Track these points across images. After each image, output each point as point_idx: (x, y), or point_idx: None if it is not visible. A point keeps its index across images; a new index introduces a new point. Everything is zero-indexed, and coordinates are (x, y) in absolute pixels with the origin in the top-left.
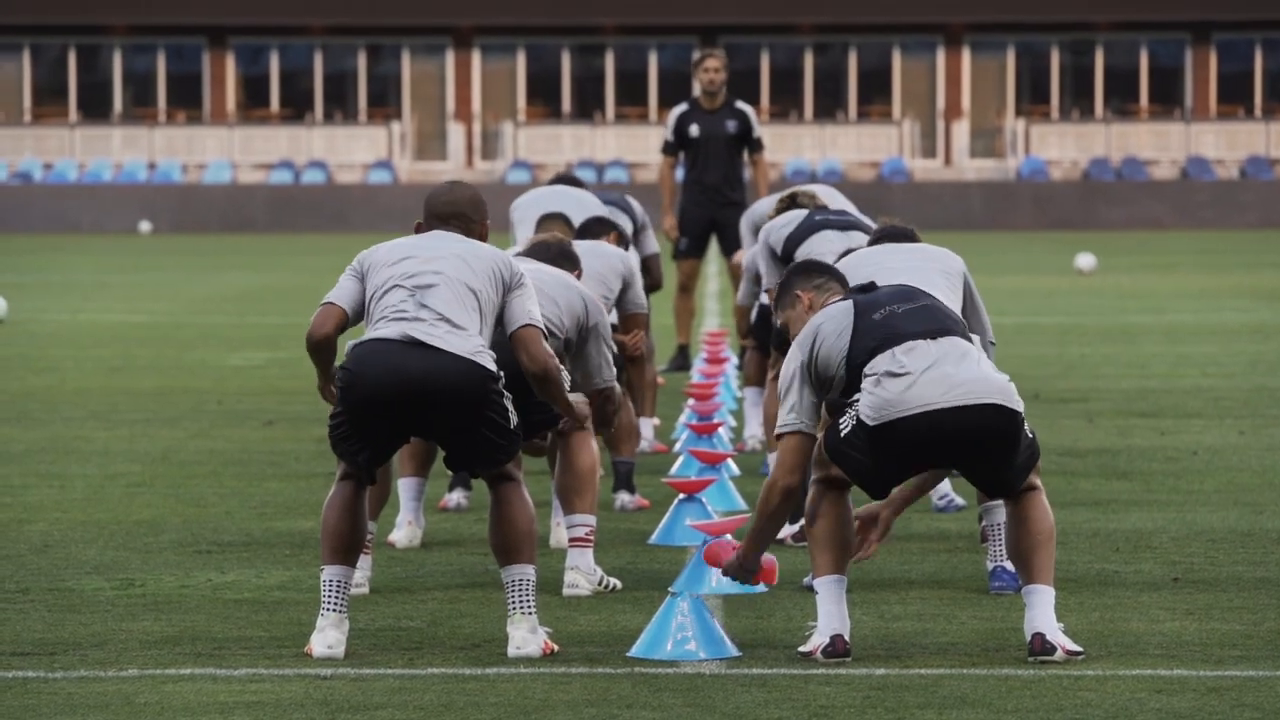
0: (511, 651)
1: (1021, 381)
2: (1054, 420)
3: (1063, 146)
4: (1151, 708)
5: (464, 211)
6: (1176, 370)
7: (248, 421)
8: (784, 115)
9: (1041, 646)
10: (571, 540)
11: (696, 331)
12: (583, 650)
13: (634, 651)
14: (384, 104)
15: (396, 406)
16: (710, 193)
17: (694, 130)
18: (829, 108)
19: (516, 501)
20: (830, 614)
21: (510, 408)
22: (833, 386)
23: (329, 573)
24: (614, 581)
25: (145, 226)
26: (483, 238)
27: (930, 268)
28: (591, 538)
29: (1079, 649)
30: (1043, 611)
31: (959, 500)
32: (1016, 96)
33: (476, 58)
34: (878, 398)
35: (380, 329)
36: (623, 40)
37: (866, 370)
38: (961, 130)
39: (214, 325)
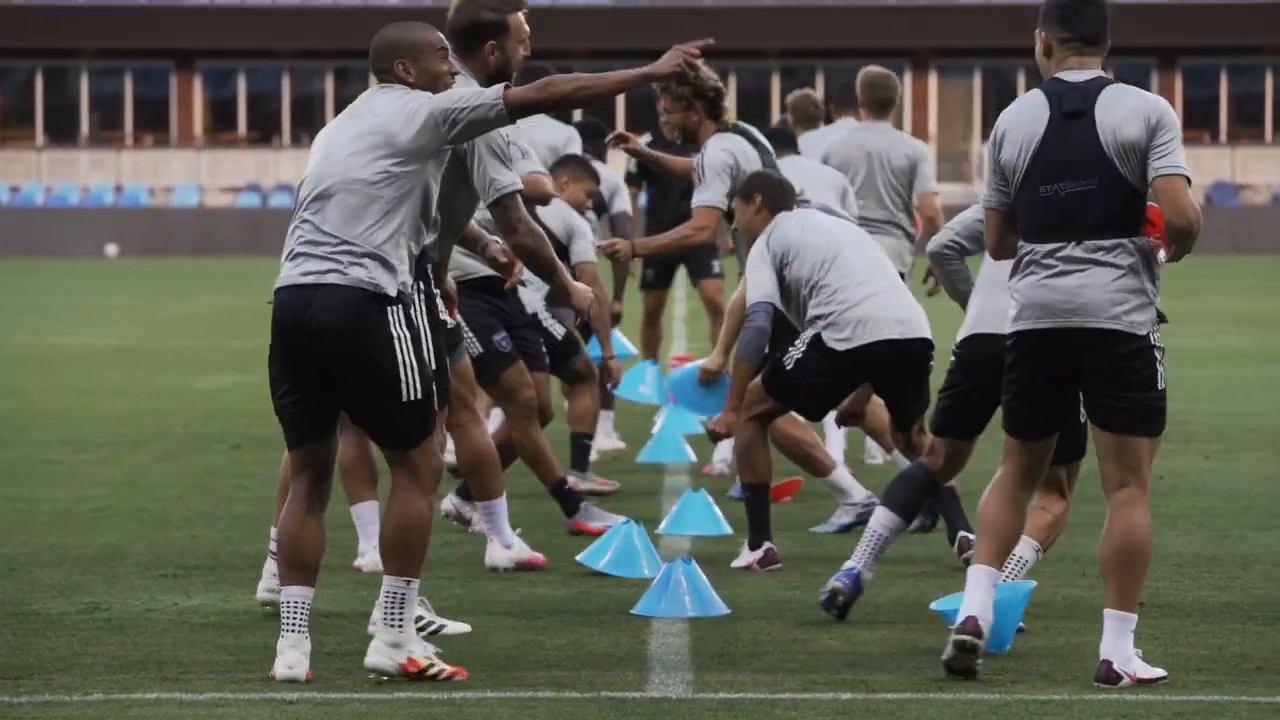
0: (366, 662)
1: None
2: None
3: None
4: None
5: (378, 66)
6: None
7: (215, 445)
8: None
9: (1106, 675)
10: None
11: (664, 355)
12: (550, 675)
13: (636, 609)
14: None
15: (295, 352)
16: (673, 222)
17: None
18: None
19: (397, 505)
20: (970, 598)
21: (407, 354)
22: None
23: (285, 593)
24: (437, 624)
25: (112, 249)
26: (417, 80)
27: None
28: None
29: (1156, 674)
30: (1111, 638)
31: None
32: (983, 121)
33: None
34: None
35: (282, 272)
36: (592, 65)
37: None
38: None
39: (181, 349)
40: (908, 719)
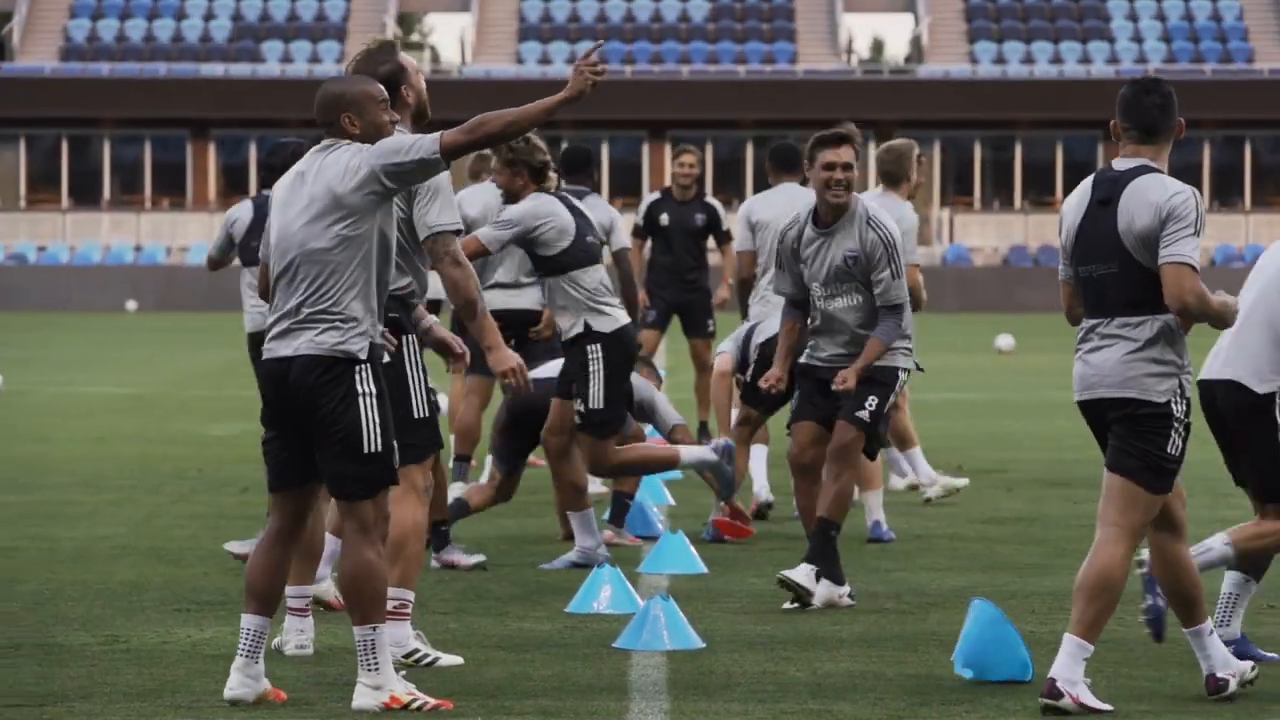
0: (354, 705)
1: (946, 454)
2: (976, 490)
3: (984, 235)
4: None
5: (325, 120)
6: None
7: (225, 488)
8: (727, 203)
9: (1050, 691)
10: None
11: None
12: (536, 704)
13: (617, 643)
14: None
15: (277, 409)
16: (674, 276)
17: (664, 219)
18: None
19: (349, 557)
20: (1203, 659)
21: (371, 410)
22: None
23: (244, 620)
24: (431, 656)
25: (131, 305)
26: (363, 131)
27: None
28: (404, 611)
29: (1102, 707)
30: (1064, 659)
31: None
32: (942, 188)
33: None
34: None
35: (267, 340)
36: (577, 133)
37: None
38: None
39: (194, 398)
40: None
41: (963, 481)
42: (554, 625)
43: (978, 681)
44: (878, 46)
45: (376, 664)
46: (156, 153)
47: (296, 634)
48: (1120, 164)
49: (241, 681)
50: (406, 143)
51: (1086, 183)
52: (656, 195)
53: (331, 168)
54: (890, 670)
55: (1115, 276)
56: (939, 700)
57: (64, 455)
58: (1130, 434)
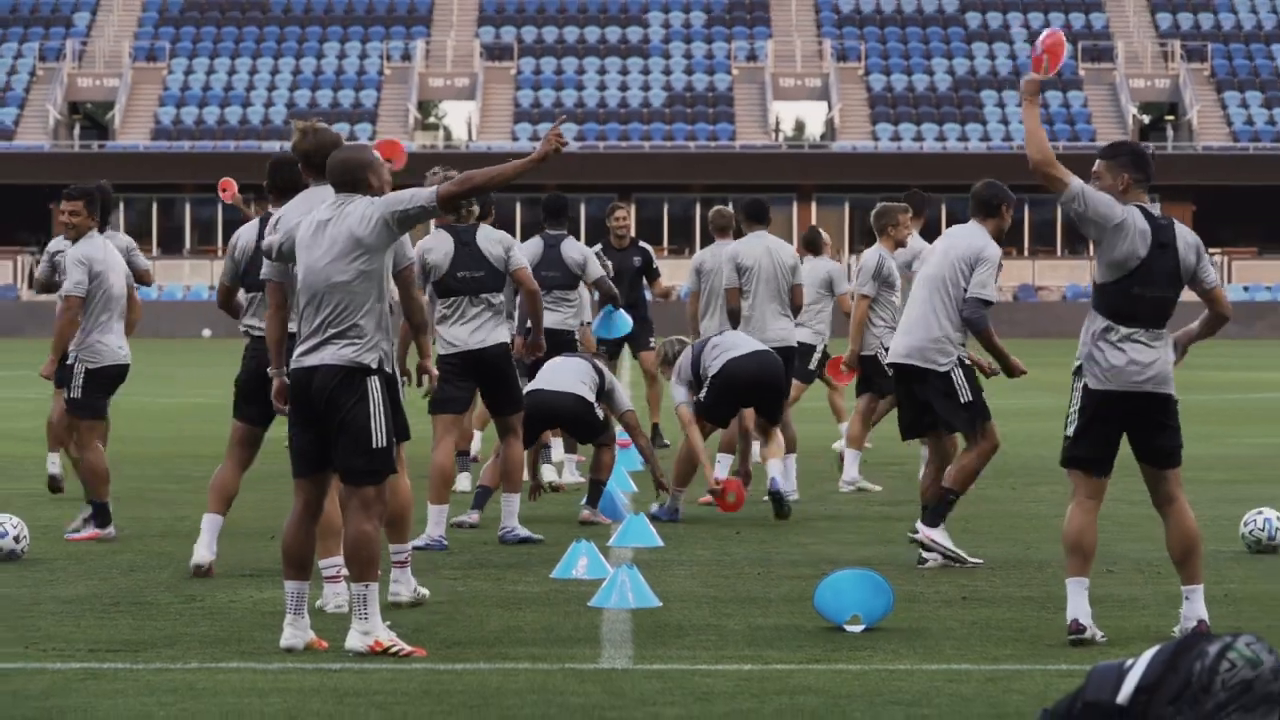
0: (346, 645)
1: None
2: (878, 480)
3: None
4: (945, 693)
5: (351, 178)
6: None
7: (280, 479)
8: (680, 251)
9: (1199, 628)
10: (394, 563)
11: None
12: (527, 651)
13: (592, 602)
14: None
15: (302, 408)
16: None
17: (609, 267)
18: None
19: (351, 528)
20: (1071, 605)
21: (378, 411)
22: None
23: (287, 585)
24: (423, 592)
25: (206, 333)
26: (379, 186)
27: None
28: (407, 560)
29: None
30: (1195, 604)
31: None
32: (850, 239)
33: None
34: None
35: (295, 353)
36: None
37: None
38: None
39: None
40: (793, 683)
41: (877, 488)
42: (541, 588)
43: (874, 630)
44: (800, 126)
45: (367, 614)
46: (227, 212)
47: (334, 596)
48: (1153, 210)
49: (293, 634)
50: (408, 195)
51: (1144, 223)
52: (599, 246)
53: (351, 215)
54: (810, 624)
55: (1169, 301)
56: (847, 648)
57: (154, 452)
58: (1165, 430)
